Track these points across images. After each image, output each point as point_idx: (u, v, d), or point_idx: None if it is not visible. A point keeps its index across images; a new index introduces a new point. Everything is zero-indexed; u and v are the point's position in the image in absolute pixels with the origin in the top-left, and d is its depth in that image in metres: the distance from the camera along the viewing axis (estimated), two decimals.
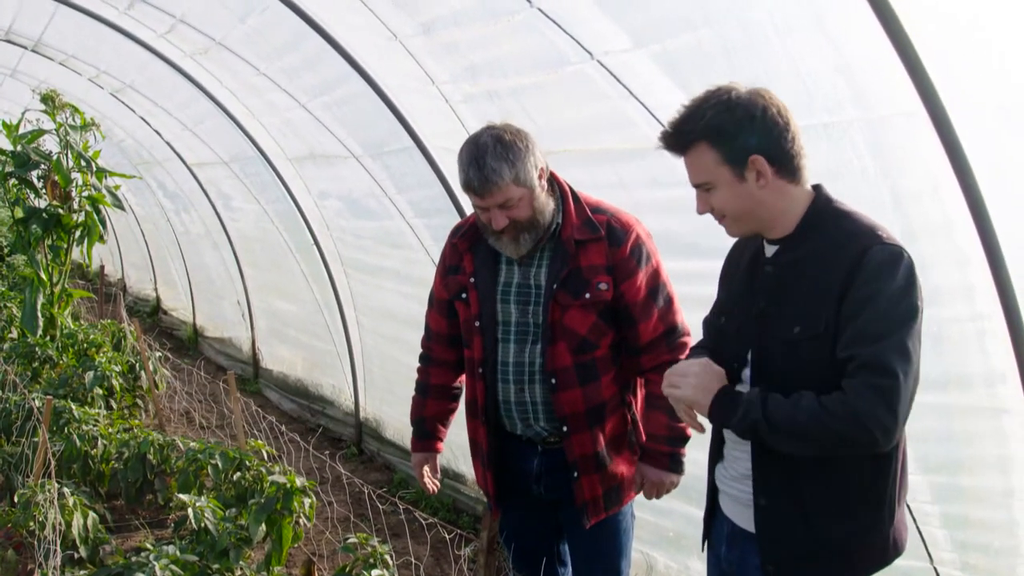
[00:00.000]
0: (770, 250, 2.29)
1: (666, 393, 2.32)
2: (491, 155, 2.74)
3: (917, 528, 3.24)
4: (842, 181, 2.96)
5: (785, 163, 2.16)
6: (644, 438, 3.07)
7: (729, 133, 2.13)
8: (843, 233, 2.14)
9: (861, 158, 2.90)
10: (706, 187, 2.22)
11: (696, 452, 2.82)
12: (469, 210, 2.96)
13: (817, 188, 2.25)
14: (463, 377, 3.28)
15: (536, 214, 2.84)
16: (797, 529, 2.23)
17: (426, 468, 3.37)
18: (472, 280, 3.02)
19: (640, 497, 3.15)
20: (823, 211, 2.21)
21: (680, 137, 2.19)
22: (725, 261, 2.52)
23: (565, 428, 2.95)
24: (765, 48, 3.05)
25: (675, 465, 3.01)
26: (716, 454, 2.48)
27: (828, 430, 2.03)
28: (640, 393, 3.10)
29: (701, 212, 2.28)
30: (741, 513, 2.37)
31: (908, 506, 3.19)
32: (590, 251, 2.89)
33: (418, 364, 3.38)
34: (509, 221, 2.81)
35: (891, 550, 2.24)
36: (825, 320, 2.09)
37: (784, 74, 3.02)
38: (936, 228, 2.86)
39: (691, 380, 2.25)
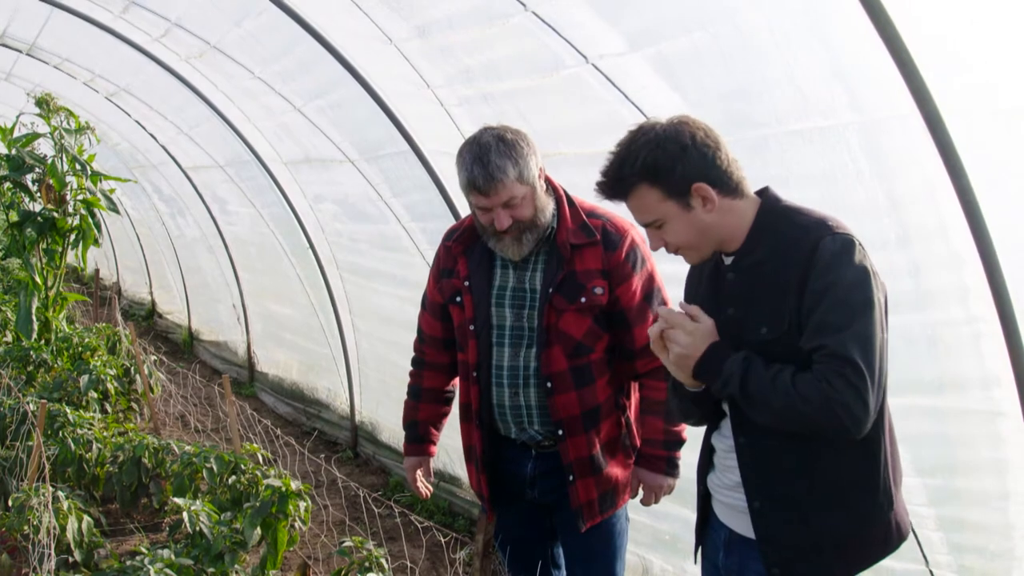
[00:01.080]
0: (728, 259, 2.31)
1: (655, 348, 2.31)
2: (495, 152, 2.75)
3: (913, 531, 3.24)
4: (837, 185, 2.97)
5: (725, 182, 2.19)
6: (639, 442, 3.07)
7: (666, 168, 2.15)
8: (795, 228, 2.16)
9: (856, 161, 2.90)
10: (656, 224, 2.24)
11: (692, 455, 2.82)
12: (464, 213, 2.95)
13: (763, 191, 2.28)
14: (456, 380, 3.28)
15: (538, 213, 2.85)
16: (795, 527, 2.23)
17: (419, 472, 3.36)
18: (467, 284, 3.02)
19: (635, 500, 3.15)
20: (772, 211, 2.24)
21: (619, 184, 2.22)
22: (686, 281, 2.53)
23: (560, 432, 2.95)
24: (760, 52, 3.06)
25: (671, 469, 3.02)
26: (707, 464, 2.48)
27: (800, 414, 2.05)
28: (634, 396, 3.10)
29: (655, 249, 2.31)
30: (738, 519, 2.37)
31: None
32: (585, 255, 2.89)
33: (411, 368, 3.37)
34: (513, 221, 2.81)
35: (894, 535, 2.25)
36: (788, 317, 2.12)
37: (779, 78, 3.03)
38: (931, 231, 2.86)
39: (684, 339, 2.24)
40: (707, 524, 2.53)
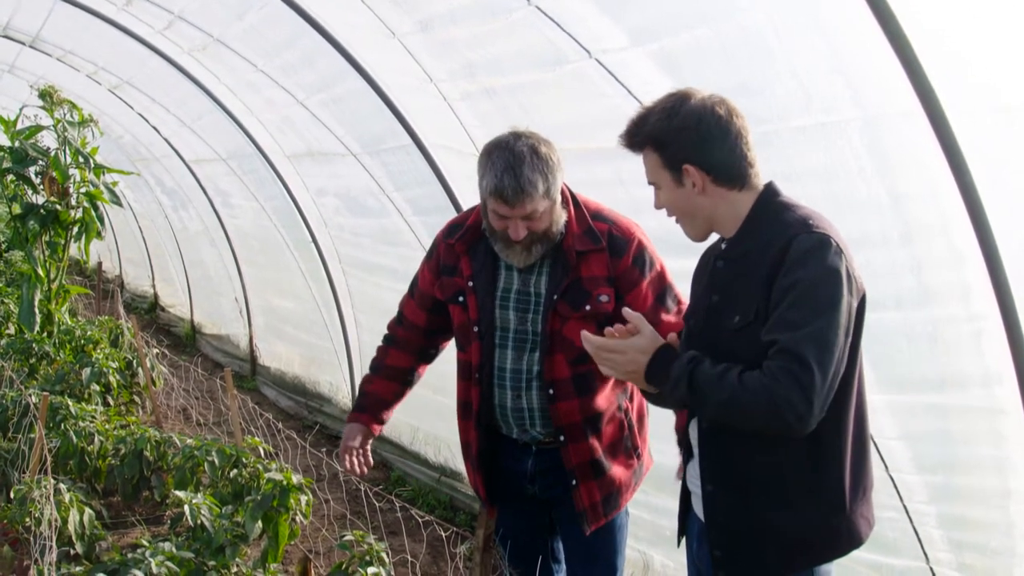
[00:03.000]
0: (723, 247, 2.35)
1: (602, 369, 2.36)
2: (528, 166, 2.70)
3: (913, 528, 3.24)
4: (840, 181, 2.96)
5: (721, 171, 2.23)
6: (641, 444, 3.07)
7: (665, 142, 2.23)
8: (779, 224, 2.19)
9: (859, 158, 2.90)
10: (656, 186, 2.33)
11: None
12: (466, 207, 2.94)
13: (767, 185, 2.30)
14: (423, 369, 3.27)
15: (552, 226, 2.83)
16: (740, 516, 2.27)
17: (356, 442, 3.19)
18: (471, 284, 2.99)
19: (637, 496, 3.15)
20: (767, 205, 2.26)
21: (631, 139, 2.31)
22: (695, 269, 2.55)
23: (562, 437, 2.94)
24: (763, 47, 3.05)
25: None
26: (687, 454, 2.51)
27: (744, 408, 2.07)
28: (637, 398, 3.09)
29: (656, 208, 2.38)
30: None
31: (905, 506, 3.21)
32: (591, 261, 2.87)
33: (379, 343, 3.32)
34: (528, 232, 2.79)
35: (843, 541, 2.25)
36: (756, 308, 2.15)
37: (781, 73, 3.02)
38: (933, 228, 2.86)
39: (620, 359, 2.30)
40: (688, 514, 2.55)
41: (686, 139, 2.20)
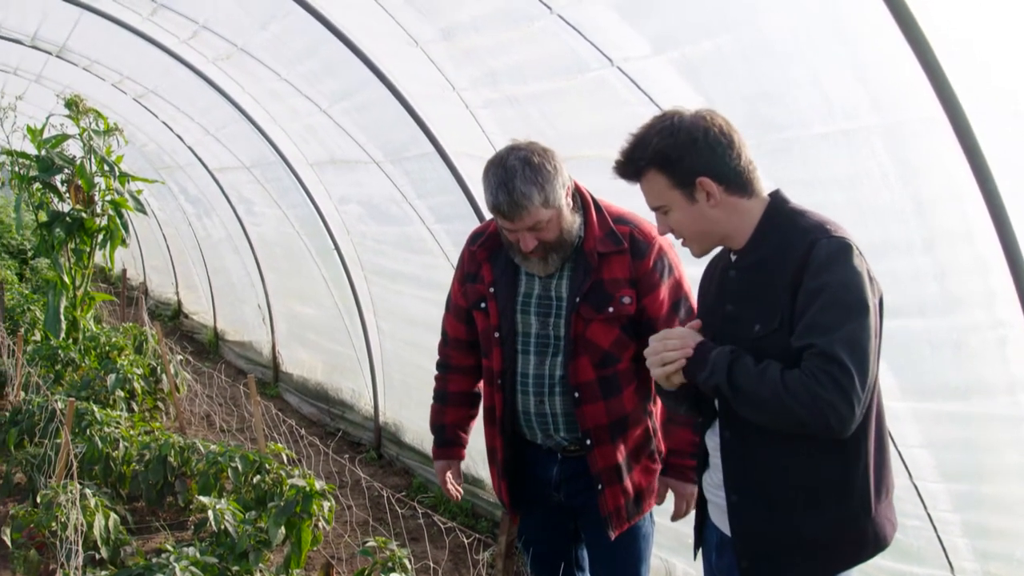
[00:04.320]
0: (734, 257, 2.34)
1: (654, 366, 2.32)
2: (520, 179, 2.71)
3: (938, 536, 3.22)
4: (861, 187, 2.95)
5: (732, 180, 2.23)
6: (665, 450, 3.06)
7: (674, 158, 2.21)
8: (795, 230, 2.18)
9: (881, 164, 2.89)
10: (663, 210, 2.30)
11: None
12: (489, 215, 2.95)
13: (774, 193, 2.30)
14: (483, 383, 3.29)
15: (564, 234, 2.83)
16: (768, 524, 2.25)
17: (448, 474, 3.33)
18: (492, 290, 3.01)
19: (663, 506, 3.15)
20: (778, 213, 2.26)
21: (631, 165, 2.28)
22: (701, 279, 2.55)
23: (588, 441, 2.94)
24: (783, 54, 3.05)
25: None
26: (703, 463, 2.50)
27: (787, 409, 2.05)
28: (659, 402, 3.09)
29: (662, 233, 2.37)
30: (725, 519, 2.38)
31: (929, 515, 3.19)
32: (613, 264, 2.87)
33: (436, 372, 3.36)
34: (538, 243, 2.80)
35: (870, 544, 2.24)
36: (780, 315, 2.14)
37: (802, 80, 3.02)
38: (957, 235, 2.85)
39: (673, 342, 2.28)
40: (705, 525, 2.54)
41: (696, 152, 2.19)
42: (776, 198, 2.28)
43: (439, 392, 3.34)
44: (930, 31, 2.46)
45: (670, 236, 2.40)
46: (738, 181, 2.23)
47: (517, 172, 2.72)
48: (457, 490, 3.35)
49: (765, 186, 2.30)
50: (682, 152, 2.19)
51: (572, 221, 2.86)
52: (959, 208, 2.76)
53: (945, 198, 2.84)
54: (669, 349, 2.27)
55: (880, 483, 2.24)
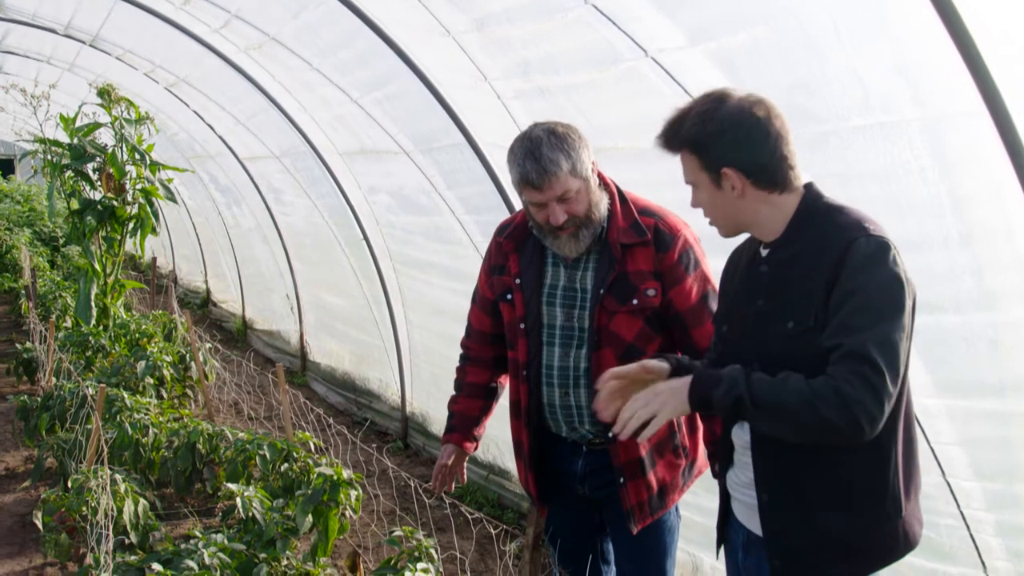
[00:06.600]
0: (764, 251, 2.31)
1: (641, 421, 2.22)
2: (546, 146, 2.72)
3: (970, 535, 3.19)
4: (899, 182, 2.92)
5: (762, 175, 2.19)
6: (688, 443, 3.04)
7: (703, 145, 2.20)
8: (832, 227, 2.15)
9: (919, 158, 2.85)
10: (695, 186, 2.29)
11: None
12: (519, 207, 2.94)
13: (807, 186, 2.25)
14: (504, 377, 3.27)
15: (592, 208, 2.82)
16: (800, 523, 2.23)
17: (450, 462, 3.24)
18: (517, 281, 3.00)
19: (687, 497, 3.13)
20: (813, 208, 2.22)
21: (668, 140, 2.28)
22: (723, 273, 2.52)
23: (611, 434, 2.93)
24: (821, 46, 3.01)
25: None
26: (726, 461, 2.47)
27: (815, 412, 2.01)
28: None
29: (693, 207, 2.34)
30: (753, 518, 2.35)
31: (962, 513, 3.15)
32: (637, 255, 2.85)
33: (457, 364, 3.36)
34: (568, 216, 2.79)
35: (901, 544, 2.22)
36: (815, 313, 2.11)
37: (841, 72, 2.99)
38: (996, 231, 2.81)
39: (655, 401, 2.20)
40: (728, 523, 2.52)
41: (725, 143, 2.17)
42: (811, 192, 2.24)
43: (456, 382, 3.35)
44: (973, 24, 2.43)
45: (694, 230, 2.37)
46: (769, 176, 2.19)
47: (543, 140, 2.74)
48: (448, 484, 3.26)
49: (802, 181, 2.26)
50: (710, 142, 2.18)
51: (600, 198, 2.85)
52: (998, 204, 2.72)
53: (984, 194, 2.80)
54: (641, 407, 2.20)
55: (909, 483, 2.22)
